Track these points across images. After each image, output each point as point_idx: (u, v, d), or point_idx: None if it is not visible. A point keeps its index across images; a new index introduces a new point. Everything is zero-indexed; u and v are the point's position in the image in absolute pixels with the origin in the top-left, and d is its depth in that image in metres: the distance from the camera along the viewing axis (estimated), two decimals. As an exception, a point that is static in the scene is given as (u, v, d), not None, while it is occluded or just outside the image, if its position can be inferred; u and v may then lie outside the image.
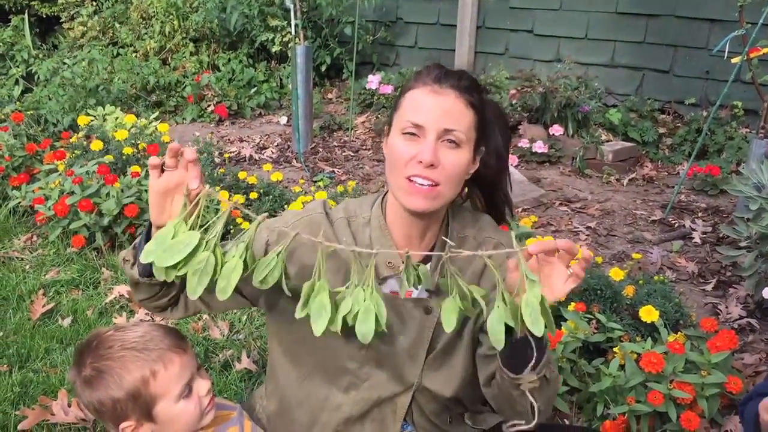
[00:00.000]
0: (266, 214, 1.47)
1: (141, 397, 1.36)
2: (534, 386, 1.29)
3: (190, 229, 1.18)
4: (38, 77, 6.03)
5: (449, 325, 1.17)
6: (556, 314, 2.26)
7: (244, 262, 1.18)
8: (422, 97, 1.33)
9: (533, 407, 1.28)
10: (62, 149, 3.97)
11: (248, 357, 2.58)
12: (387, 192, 1.48)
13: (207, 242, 1.18)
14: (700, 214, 4.06)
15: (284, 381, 1.58)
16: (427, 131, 1.32)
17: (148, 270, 1.33)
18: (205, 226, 1.19)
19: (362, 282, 1.18)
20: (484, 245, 1.48)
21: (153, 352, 1.37)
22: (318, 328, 1.16)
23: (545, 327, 1.13)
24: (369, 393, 1.50)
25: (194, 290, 1.16)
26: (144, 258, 1.16)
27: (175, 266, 1.16)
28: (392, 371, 1.48)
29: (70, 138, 4.27)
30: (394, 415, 1.52)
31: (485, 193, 1.60)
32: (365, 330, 1.16)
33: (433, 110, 1.32)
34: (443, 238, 1.42)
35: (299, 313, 1.17)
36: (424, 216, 1.41)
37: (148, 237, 1.30)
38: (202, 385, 1.43)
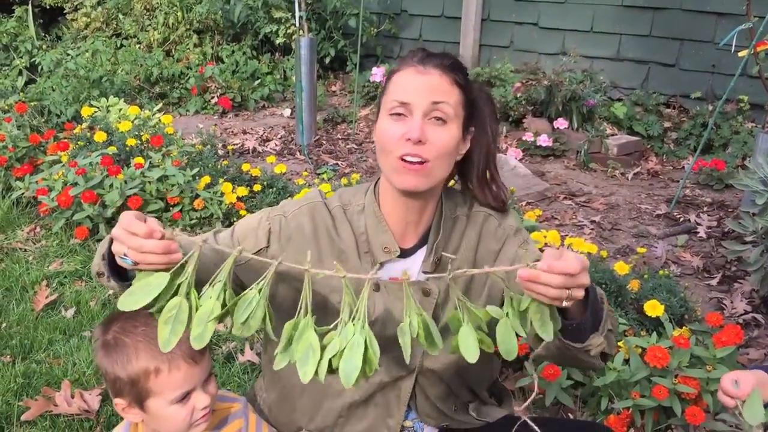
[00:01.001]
0: (208, 235, 1.40)
1: (138, 385, 1.37)
2: (602, 345, 1.28)
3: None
4: (42, 68, 6.02)
5: (472, 354, 1.12)
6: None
7: (223, 303, 1.09)
8: (407, 77, 1.35)
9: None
10: (66, 140, 3.96)
11: (251, 349, 2.58)
12: (379, 179, 1.48)
13: (179, 286, 1.10)
14: (705, 209, 4.04)
15: (284, 369, 1.57)
16: (414, 108, 1.33)
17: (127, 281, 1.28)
18: (172, 269, 1.11)
19: (353, 317, 1.08)
20: (473, 219, 1.49)
21: (167, 352, 1.37)
22: (306, 373, 1.06)
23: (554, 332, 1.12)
24: (371, 377, 1.50)
25: (167, 342, 1.09)
26: (120, 305, 1.13)
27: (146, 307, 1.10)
28: (394, 355, 1.47)
29: (74, 129, 4.26)
30: (398, 399, 1.51)
31: (476, 178, 1.53)
32: (349, 369, 1.04)
33: (419, 87, 1.34)
34: (444, 254, 1.43)
35: (280, 362, 1.09)
36: (418, 197, 1.41)
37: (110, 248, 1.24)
38: (201, 399, 1.43)
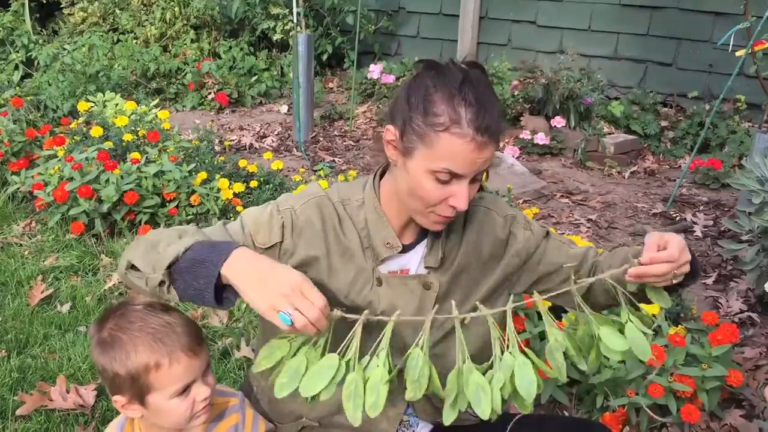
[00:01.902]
0: (220, 226, 1.43)
1: (139, 381, 1.36)
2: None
3: (320, 351, 1.20)
4: (38, 63, 6.00)
5: (643, 352, 1.23)
6: (556, 307, 2.24)
7: (388, 368, 1.18)
8: (464, 151, 1.26)
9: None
10: (62, 135, 3.95)
11: (247, 345, 2.57)
12: (379, 173, 1.47)
13: (348, 362, 1.18)
14: (701, 208, 4.05)
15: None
16: (464, 179, 1.30)
17: (188, 294, 1.28)
18: (340, 349, 1.20)
19: (503, 347, 1.17)
20: (471, 214, 1.50)
21: (166, 345, 1.36)
22: (484, 412, 1.14)
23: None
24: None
25: (354, 417, 1.16)
26: (279, 392, 1.18)
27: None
28: (396, 348, 1.48)
29: (70, 124, 4.25)
30: (399, 390, 1.52)
31: None
32: (527, 386, 1.15)
33: (475, 162, 1.28)
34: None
35: (449, 417, 1.19)
36: None
37: (217, 290, 1.25)
38: (202, 391, 1.42)
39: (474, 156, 1.27)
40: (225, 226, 1.45)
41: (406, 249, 1.46)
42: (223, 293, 1.27)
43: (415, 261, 1.48)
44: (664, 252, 1.24)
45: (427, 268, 1.47)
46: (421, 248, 1.48)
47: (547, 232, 1.59)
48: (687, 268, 1.28)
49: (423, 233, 1.48)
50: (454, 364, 1.29)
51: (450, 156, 1.27)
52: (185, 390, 1.41)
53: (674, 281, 1.27)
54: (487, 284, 1.51)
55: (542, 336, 2.27)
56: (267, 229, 1.42)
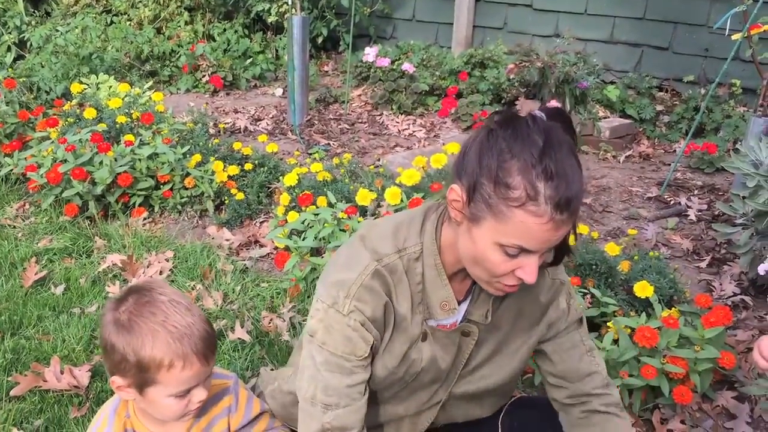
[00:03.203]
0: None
1: (146, 373, 1.36)
2: None
3: None
4: (31, 44, 5.95)
5: None
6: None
7: None
8: (539, 230, 1.14)
9: None
10: (55, 117, 3.92)
11: (242, 327, 2.57)
12: (440, 219, 1.35)
13: None
14: (695, 192, 4.06)
15: None
16: (535, 254, 1.20)
17: None
18: None
19: None
20: (557, 291, 1.47)
21: (184, 347, 1.35)
22: None
23: None
24: (395, 409, 1.51)
25: None
26: None
27: None
28: (419, 396, 1.50)
29: (63, 106, 4.22)
30: (414, 426, 1.56)
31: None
32: None
33: (548, 242, 1.17)
34: None
35: None
36: None
37: None
38: (199, 394, 1.43)
39: (549, 235, 1.15)
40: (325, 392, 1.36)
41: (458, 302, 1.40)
42: None
43: (460, 311, 1.42)
44: None
45: (470, 321, 1.42)
46: (467, 299, 1.42)
47: (581, 320, 1.52)
48: None
49: (471, 284, 1.41)
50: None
51: (523, 234, 1.15)
52: (185, 393, 1.41)
53: None
54: (518, 345, 1.48)
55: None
56: (359, 341, 1.33)
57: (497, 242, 1.18)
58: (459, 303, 1.40)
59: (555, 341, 1.49)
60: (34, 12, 7.09)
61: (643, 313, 2.29)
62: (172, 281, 2.93)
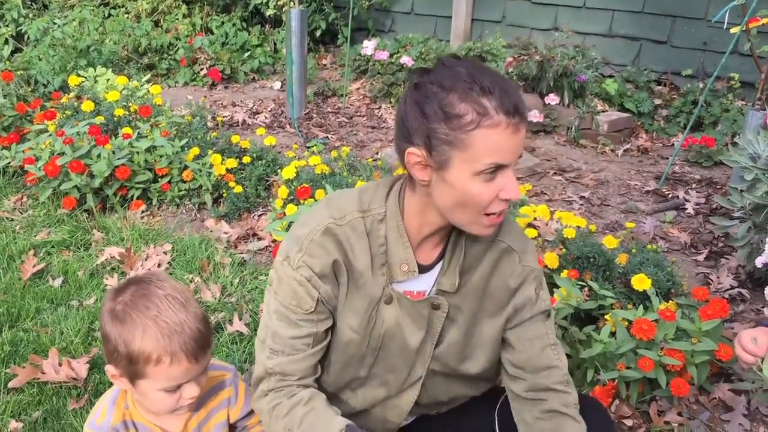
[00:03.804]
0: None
1: (136, 365, 1.36)
2: None
3: None
4: (28, 37, 5.93)
5: None
6: (549, 281, 2.25)
7: None
8: (502, 139, 1.22)
9: None
10: (53, 109, 3.92)
11: (240, 319, 2.58)
12: (404, 184, 1.40)
13: None
14: (693, 186, 4.06)
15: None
16: (508, 168, 1.26)
17: None
18: None
19: None
20: (493, 247, 1.46)
21: (172, 344, 1.35)
22: None
23: None
24: (376, 392, 1.52)
25: None
26: None
27: None
28: (397, 373, 1.50)
29: (61, 99, 4.21)
30: (398, 408, 1.56)
31: None
32: None
33: (515, 148, 1.24)
34: None
35: None
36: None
37: None
38: (191, 390, 1.43)
39: (513, 140, 1.23)
40: (273, 338, 1.43)
41: (422, 269, 1.42)
42: None
43: (429, 282, 1.44)
44: None
45: (440, 291, 1.44)
46: (437, 269, 1.44)
47: (549, 314, 1.52)
48: None
49: (441, 254, 1.44)
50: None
51: (491, 149, 1.22)
52: (175, 389, 1.41)
53: None
54: (488, 326, 1.49)
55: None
56: (304, 295, 1.38)
57: (473, 171, 1.24)
58: (428, 269, 1.43)
59: (519, 328, 1.49)
60: (31, 4, 7.08)
61: (641, 306, 2.29)
62: (171, 274, 2.93)
